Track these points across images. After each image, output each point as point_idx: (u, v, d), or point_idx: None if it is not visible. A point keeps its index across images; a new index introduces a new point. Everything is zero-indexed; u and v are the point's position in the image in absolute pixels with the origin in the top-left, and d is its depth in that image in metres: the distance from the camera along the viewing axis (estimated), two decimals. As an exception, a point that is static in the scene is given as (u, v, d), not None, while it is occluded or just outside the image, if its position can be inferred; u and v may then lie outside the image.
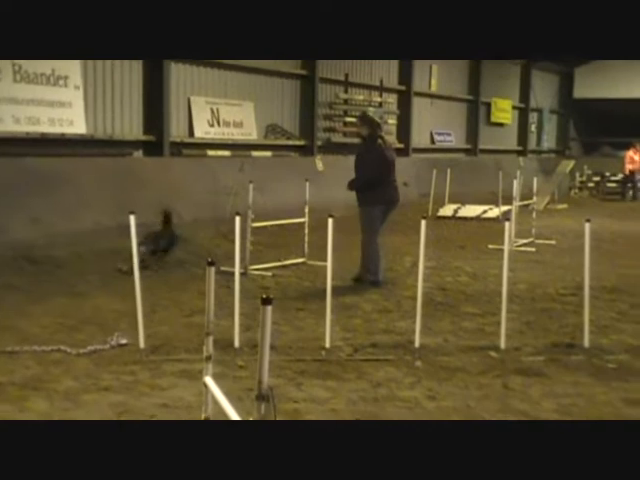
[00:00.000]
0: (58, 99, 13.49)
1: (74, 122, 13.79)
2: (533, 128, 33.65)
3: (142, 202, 13.28)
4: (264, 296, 3.06)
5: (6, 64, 12.69)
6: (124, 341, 6.93)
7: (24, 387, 5.78)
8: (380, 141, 9.82)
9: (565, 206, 22.76)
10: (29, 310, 8.20)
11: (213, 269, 4.02)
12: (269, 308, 3.06)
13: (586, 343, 7.14)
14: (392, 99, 23.71)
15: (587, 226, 7.14)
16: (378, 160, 9.65)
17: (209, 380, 3.91)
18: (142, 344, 6.80)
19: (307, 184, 11.68)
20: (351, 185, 9.82)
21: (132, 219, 6.76)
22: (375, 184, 9.61)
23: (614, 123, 34.31)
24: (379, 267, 9.74)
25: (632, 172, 26.95)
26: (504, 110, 30.72)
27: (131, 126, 15.29)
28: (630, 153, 27.19)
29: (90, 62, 14.17)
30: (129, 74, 15.06)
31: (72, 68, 13.70)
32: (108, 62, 14.55)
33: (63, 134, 13.62)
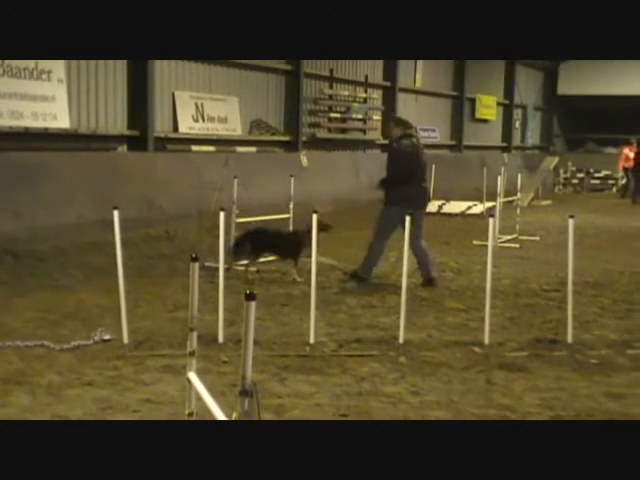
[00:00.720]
0: (41, 93, 13.40)
1: (57, 116, 13.71)
2: (517, 124, 33.73)
3: (126, 197, 13.24)
4: (248, 291, 3.06)
5: (-12, 58, 12.61)
6: (108, 337, 6.91)
7: (7, 382, 5.75)
8: (414, 140, 9.77)
9: (549, 202, 22.86)
10: (12, 304, 8.16)
11: (197, 264, 4.01)
12: (253, 304, 3.06)
13: (569, 338, 7.17)
14: (377, 95, 23.70)
15: (571, 222, 7.16)
16: (404, 159, 9.58)
17: (193, 375, 3.91)
18: (126, 339, 6.78)
19: (292, 180, 11.67)
20: (380, 184, 9.83)
21: (116, 214, 6.74)
22: (399, 183, 9.52)
23: (598, 120, 34.51)
24: (373, 267, 9.74)
25: (626, 170, 26.72)
26: (488, 106, 30.78)
27: (115, 121, 15.21)
28: (626, 150, 26.94)
29: (74, 56, 14.11)
30: (113, 68, 14.98)
31: (55, 62, 13.60)
32: (92, 56, 14.49)
33: (46, 128, 13.53)
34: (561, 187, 29.66)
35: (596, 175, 30.25)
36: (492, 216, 7.55)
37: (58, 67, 13.67)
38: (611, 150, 35.14)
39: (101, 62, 14.66)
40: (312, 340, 6.95)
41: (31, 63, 13.19)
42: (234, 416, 3.16)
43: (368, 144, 23.48)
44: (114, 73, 15.00)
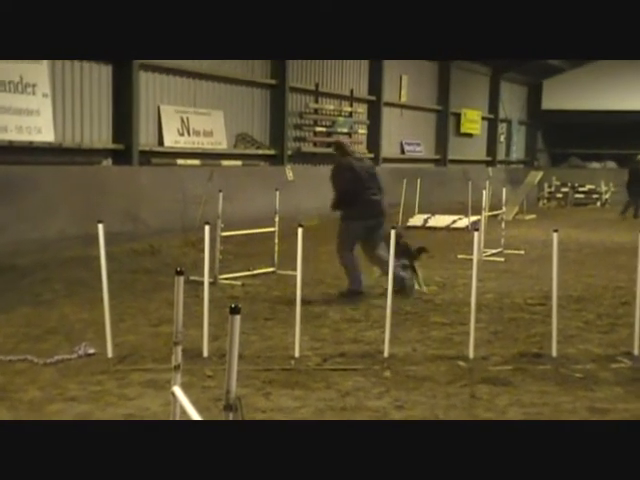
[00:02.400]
0: (26, 107, 13.37)
1: (42, 130, 13.68)
2: (502, 139, 33.93)
3: (110, 211, 13.21)
4: (232, 305, 3.05)
5: (-27, 71, 12.58)
6: (91, 351, 6.86)
7: (-12, 397, 5.71)
8: (351, 159, 9.81)
9: (533, 216, 22.95)
10: (-6, 319, 8.11)
11: (182, 278, 4.00)
12: (237, 317, 3.05)
13: (553, 353, 7.19)
14: (362, 109, 23.80)
15: (555, 236, 7.19)
16: (346, 176, 9.67)
17: (177, 390, 3.89)
18: (109, 354, 6.75)
19: (277, 193, 11.67)
20: (333, 205, 9.86)
21: (100, 228, 6.71)
22: (346, 200, 9.60)
23: (582, 135, 34.77)
24: (357, 276, 9.71)
25: None
26: (473, 121, 30.95)
27: (100, 135, 15.20)
28: None
29: (59, 70, 14.08)
30: (98, 82, 14.97)
31: (40, 76, 13.59)
32: (77, 70, 14.46)
33: (31, 142, 13.50)
34: (545, 201, 29.81)
35: (580, 189, 30.45)
36: (477, 230, 7.56)
37: (43, 81, 13.65)
38: (595, 165, 35.41)
39: (86, 76, 14.66)
40: (297, 354, 6.94)
41: (16, 77, 13.17)
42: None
43: (353, 158, 23.52)
44: (99, 87, 15.00)
